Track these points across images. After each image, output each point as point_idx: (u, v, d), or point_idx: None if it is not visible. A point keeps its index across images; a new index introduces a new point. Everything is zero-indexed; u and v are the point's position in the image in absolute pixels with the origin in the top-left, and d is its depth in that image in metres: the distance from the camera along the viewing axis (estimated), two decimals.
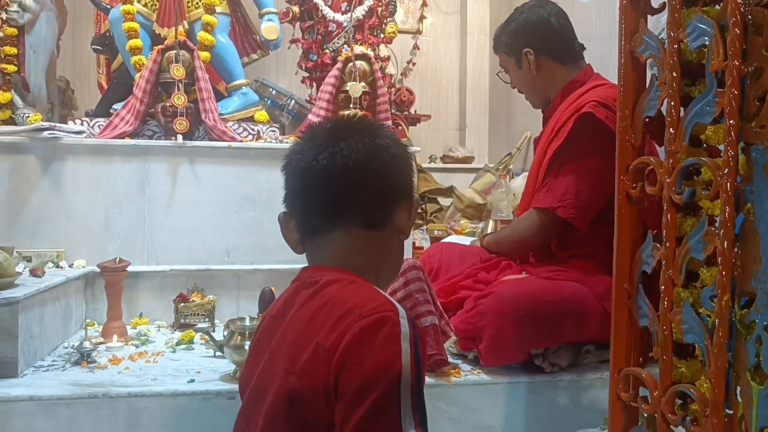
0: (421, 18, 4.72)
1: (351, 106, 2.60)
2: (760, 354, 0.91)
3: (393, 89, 4.01)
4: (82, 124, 2.51)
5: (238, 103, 2.73)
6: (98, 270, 2.16)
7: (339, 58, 2.70)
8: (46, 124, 2.35)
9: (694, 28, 1.01)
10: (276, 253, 2.42)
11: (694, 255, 1.01)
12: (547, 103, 2.08)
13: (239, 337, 1.68)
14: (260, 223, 2.47)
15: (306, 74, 3.09)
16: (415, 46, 4.75)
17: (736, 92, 0.93)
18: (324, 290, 0.97)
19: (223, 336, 1.77)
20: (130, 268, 2.18)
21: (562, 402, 1.69)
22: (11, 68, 2.55)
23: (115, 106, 2.62)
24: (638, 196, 1.14)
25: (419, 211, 3.42)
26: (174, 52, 2.50)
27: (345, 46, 2.84)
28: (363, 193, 1.02)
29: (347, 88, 2.61)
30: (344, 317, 0.90)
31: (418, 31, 4.74)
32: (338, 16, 2.89)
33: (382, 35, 2.95)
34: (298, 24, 3.03)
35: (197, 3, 2.68)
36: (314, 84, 3.02)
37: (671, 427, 1.07)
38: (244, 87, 2.76)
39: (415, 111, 4.32)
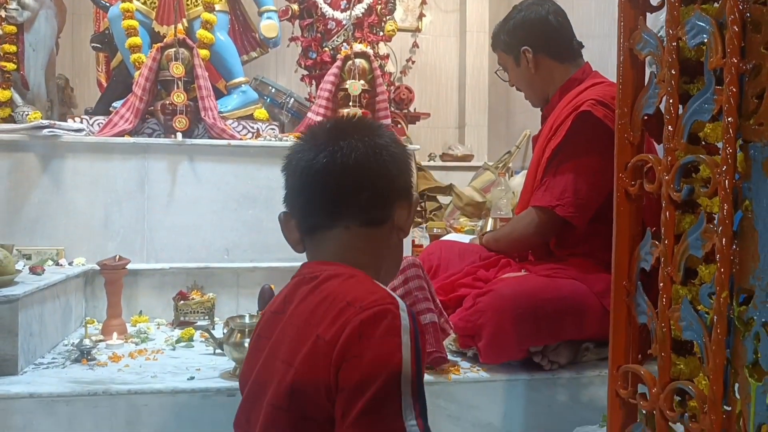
0: (421, 16, 4.72)
1: (350, 104, 2.60)
2: (758, 351, 0.91)
3: (392, 87, 4.01)
4: (81, 122, 2.51)
5: (238, 101, 2.73)
6: (98, 268, 2.16)
7: (338, 56, 2.70)
8: (45, 122, 2.35)
9: (692, 26, 1.01)
10: (275, 251, 2.42)
11: (692, 252, 1.01)
12: (545, 101, 2.08)
13: (239, 335, 1.68)
14: (260, 221, 2.47)
15: (305, 72, 3.09)
16: (415, 44, 4.75)
17: (734, 90, 0.93)
18: (324, 285, 0.98)
19: (223, 333, 1.77)
20: (129, 266, 2.18)
21: (561, 399, 1.70)
22: (10, 66, 2.54)
23: (114, 104, 2.62)
24: (637, 193, 1.14)
25: (418, 209, 3.42)
26: (173, 50, 2.50)
27: (344, 44, 2.84)
28: (363, 192, 1.03)
29: (346, 86, 2.61)
30: (344, 310, 0.90)
31: (418, 29, 4.74)
32: (337, 14, 2.89)
33: (381, 33, 2.95)
34: (297, 22, 3.03)
35: (196, 1, 2.67)
36: (313, 82, 3.02)
37: (669, 423, 1.07)
38: (243, 85, 2.76)
39: (415, 109, 4.32)
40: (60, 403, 1.54)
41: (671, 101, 1.05)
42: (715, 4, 1.01)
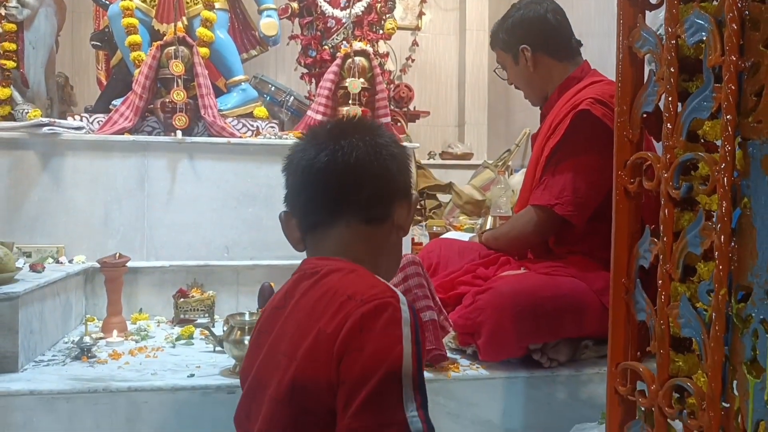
0: (420, 14, 4.72)
1: (350, 102, 2.61)
2: (756, 347, 0.91)
3: (392, 85, 4.01)
4: (81, 120, 2.51)
5: (237, 99, 2.73)
6: (98, 265, 2.16)
7: (338, 54, 2.70)
8: (45, 119, 2.35)
9: (691, 24, 1.01)
10: (275, 249, 2.42)
11: (691, 250, 1.02)
12: (544, 99, 2.08)
13: (239, 332, 1.69)
14: (259, 219, 2.47)
15: (305, 70, 3.09)
16: (414, 43, 4.75)
17: (733, 87, 0.94)
18: (325, 279, 0.99)
19: (223, 331, 1.77)
20: (129, 264, 2.19)
21: (561, 397, 1.70)
22: (10, 64, 2.54)
23: (114, 102, 2.62)
24: (636, 191, 1.14)
25: (418, 207, 3.42)
26: (173, 48, 2.50)
27: (344, 42, 2.84)
28: (364, 190, 1.04)
29: (346, 85, 2.61)
30: (345, 304, 0.91)
31: (417, 28, 4.74)
32: (337, 13, 2.89)
33: (381, 31, 2.94)
34: (297, 20, 3.03)
35: None
36: (313, 80, 3.02)
37: (668, 420, 1.07)
38: (243, 83, 2.76)
39: (414, 107, 4.32)
40: (60, 400, 1.55)
41: (670, 99, 1.05)
42: (714, 2, 1.01)
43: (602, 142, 1.62)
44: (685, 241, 1.02)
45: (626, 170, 1.15)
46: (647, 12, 1.16)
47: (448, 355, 1.73)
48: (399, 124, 3.79)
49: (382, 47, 3.13)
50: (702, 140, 1.05)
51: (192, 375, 1.67)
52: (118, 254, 2.16)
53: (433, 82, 4.90)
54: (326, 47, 2.92)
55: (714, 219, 0.97)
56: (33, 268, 2.00)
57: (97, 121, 2.53)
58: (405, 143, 2.78)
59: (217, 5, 2.66)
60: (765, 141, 0.91)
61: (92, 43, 3.06)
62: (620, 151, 1.16)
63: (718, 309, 0.95)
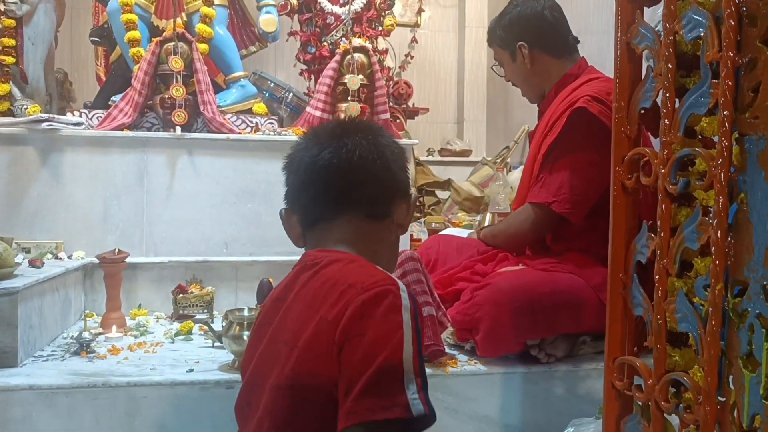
0: (420, 11, 4.72)
1: (349, 98, 2.61)
2: (752, 342, 0.92)
3: (391, 82, 4.01)
4: (80, 116, 2.51)
5: (237, 95, 2.73)
6: (97, 261, 2.17)
7: (337, 50, 2.70)
8: (44, 115, 2.35)
9: (689, 20, 1.01)
10: (274, 245, 2.43)
11: (688, 245, 1.02)
12: (541, 96, 2.08)
13: (238, 328, 1.69)
14: (258, 215, 2.47)
15: (304, 67, 3.09)
16: (413, 39, 4.75)
17: (730, 83, 0.94)
18: (325, 269, 1.01)
19: (222, 326, 1.78)
20: (128, 260, 2.19)
21: (558, 392, 1.71)
22: (9, 60, 2.54)
23: (113, 98, 2.62)
24: (633, 186, 1.15)
25: (417, 204, 3.43)
26: (172, 44, 2.50)
27: (343, 38, 2.84)
28: (366, 188, 1.07)
29: (345, 81, 2.61)
30: (346, 292, 0.93)
31: (417, 24, 4.74)
32: (336, 9, 2.89)
33: (380, 28, 2.95)
34: (296, 16, 3.03)
35: None
36: (312, 76, 3.02)
37: (665, 414, 1.08)
38: (242, 79, 2.76)
39: (413, 104, 4.32)
40: (59, 395, 1.55)
41: (668, 95, 1.06)
42: None
43: (599, 139, 1.62)
44: (682, 236, 1.03)
45: (624, 166, 1.16)
46: (645, 8, 1.17)
47: (447, 350, 1.74)
48: (398, 120, 3.79)
49: (381, 44, 3.13)
50: (699, 136, 1.06)
51: (191, 370, 1.67)
52: (117, 250, 2.16)
53: (432, 79, 4.90)
54: (325, 44, 2.92)
55: (711, 214, 0.98)
56: (32, 263, 2.00)
57: (96, 117, 2.53)
58: (404, 140, 2.79)
59: (216, 1, 2.66)
60: (762, 136, 0.91)
61: (91, 38, 3.06)
62: (618, 146, 1.17)
63: (715, 304, 0.96)
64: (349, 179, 1.06)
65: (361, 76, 2.62)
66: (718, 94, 0.96)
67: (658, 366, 1.08)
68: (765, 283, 0.90)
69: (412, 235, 2.84)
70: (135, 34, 2.59)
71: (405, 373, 0.87)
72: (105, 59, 3.28)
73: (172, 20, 2.56)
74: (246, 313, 1.83)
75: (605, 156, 1.21)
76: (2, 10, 2.52)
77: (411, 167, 3.17)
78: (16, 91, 2.57)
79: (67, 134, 2.36)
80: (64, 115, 2.51)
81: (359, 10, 2.88)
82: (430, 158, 4.47)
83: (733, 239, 0.95)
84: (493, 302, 1.69)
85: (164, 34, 2.53)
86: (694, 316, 1.00)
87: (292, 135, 2.53)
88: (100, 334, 2.00)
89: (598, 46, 2.64)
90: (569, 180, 1.83)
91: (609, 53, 1.22)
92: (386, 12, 2.93)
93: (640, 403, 1.14)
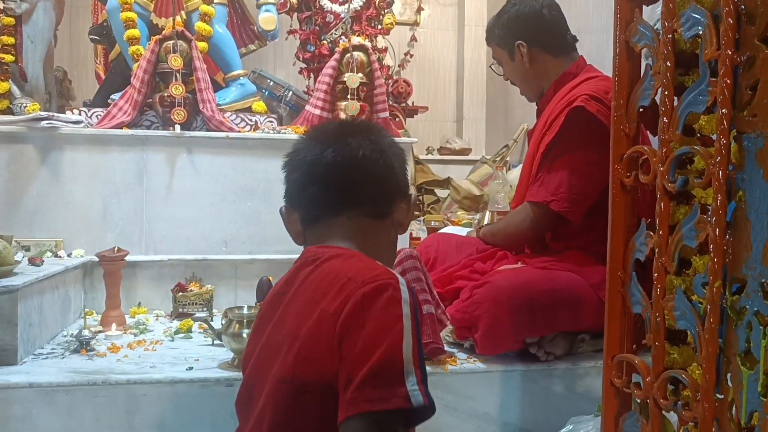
0: (419, 9, 4.72)
1: (348, 97, 2.61)
2: (750, 339, 0.92)
3: (390, 81, 4.02)
4: (79, 114, 2.51)
5: (236, 93, 2.73)
6: (97, 259, 2.17)
7: (336, 49, 2.70)
8: (43, 113, 2.35)
9: (688, 18, 1.02)
10: (273, 243, 2.43)
11: (686, 243, 1.03)
12: (540, 95, 2.08)
13: (237, 326, 1.69)
14: (258, 213, 2.47)
15: (303, 65, 3.09)
16: (413, 38, 4.75)
17: (728, 81, 0.94)
18: (326, 264, 1.02)
19: (221, 324, 1.78)
20: (128, 258, 2.19)
21: (557, 390, 1.71)
22: (9, 58, 2.54)
23: (112, 96, 2.62)
24: (632, 184, 1.15)
25: (417, 202, 3.43)
26: (172, 42, 2.50)
27: (342, 37, 2.84)
28: (369, 186, 1.09)
29: (345, 79, 2.61)
30: (346, 285, 0.94)
31: (416, 23, 4.74)
32: (336, 7, 2.89)
33: (379, 26, 2.95)
34: (295, 15, 3.03)
35: None
36: (312, 75, 3.02)
37: (663, 412, 1.08)
38: (241, 77, 2.76)
39: (413, 102, 4.33)
40: (59, 392, 1.55)
41: (666, 93, 1.06)
42: None
43: (597, 138, 1.62)
44: (681, 234, 1.03)
45: (623, 164, 1.16)
46: (644, 6, 1.17)
47: (446, 348, 1.74)
48: (397, 119, 3.79)
49: (381, 42, 3.13)
50: (698, 134, 1.06)
51: (191, 368, 1.68)
52: (116, 248, 2.16)
53: (432, 78, 4.90)
54: (325, 42, 2.92)
55: (709, 212, 0.98)
56: (32, 261, 2.00)
57: (96, 115, 2.53)
58: (403, 138, 2.79)
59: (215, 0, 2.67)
60: (760, 134, 0.91)
61: (91, 37, 3.06)
62: (617, 144, 1.17)
63: (713, 301, 0.96)
64: (352, 178, 1.08)
65: (360, 75, 2.62)
66: (716, 92, 0.96)
67: (656, 363, 1.08)
68: (763, 280, 0.90)
69: (411, 234, 2.85)
70: (134, 32, 2.59)
71: (405, 364, 0.88)
72: (104, 57, 3.28)
73: (171, 18, 2.56)
74: (245, 311, 1.83)
75: (603, 155, 1.21)
76: (2, 8, 2.52)
77: (410, 166, 3.17)
78: (15, 90, 2.57)
79: (66, 132, 2.36)
80: (64, 113, 2.51)
81: (359, 8, 2.88)
82: (430, 157, 4.47)
83: (732, 237, 0.96)
84: (492, 300, 1.69)
85: (164, 32, 2.54)
86: (693, 314, 1.01)
87: (291, 133, 2.53)
88: (99, 332, 2.00)
89: (597, 45, 2.64)
90: (568, 179, 1.83)
91: (608, 52, 1.22)
92: (385, 10, 2.93)
93: (638, 401, 1.14)
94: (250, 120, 2.65)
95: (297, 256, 1.12)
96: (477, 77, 4.83)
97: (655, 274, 1.08)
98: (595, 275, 1.74)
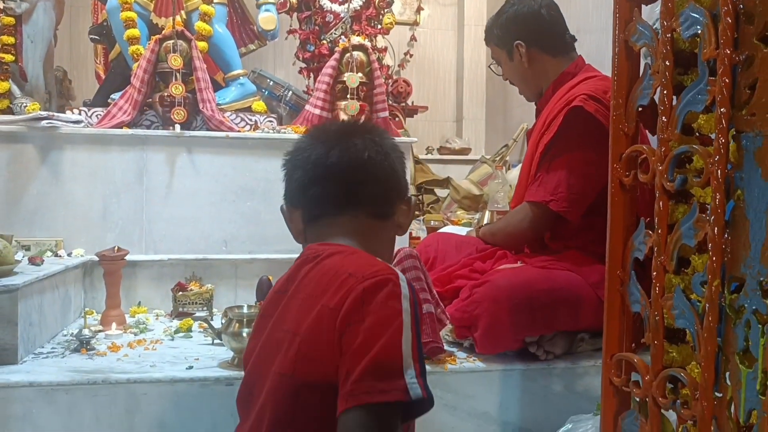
0: (419, 9, 4.72)
1: (348, 96, 2.61)
2: (748, 338, 0.92)
3: (390, 80, 4.02)
4: (80, 114, 2.51)
5: (236, 93, 2.73)
6: (97, 259, 2.17)
7: (336, 48, 2.70)
8: (43, 113, 2.35)
9: (686, 17, 1.02)
10: (273, 243, 2.43)
11: (685, 241, 1.03)
12: (539, 95, 2.09)
13: (237, 325, 1.69)
14: (258, 213, 2.48)
15: (303, 65, 3.09)
16: (413, 38, 4.75)
17: (727, 80, 0.95)
18: (326, 260, 1.03)
19: (221, 324, 1.78)
20: (128, 257, 2.19)
21: (557, 389, 1.71)
22: (9, 58, 2.54)
23: (112, 96, 2.62)
24: (631, 184, 1.15)
25: (416, 202, 3.43)
26: (171, 42, 2.50)
27: (342, 36, 2.84)
28: (372, 186, 1.10)
29: (344, 79, 2.61)
30: (347, 281, 0.95)
31: (416, 23, 4.73)
32: (335, 7, 2.89)
33: (379, 26, 2.95)
34: (295, 14, 3.03)
35: None
36: (311, 75, 3.03)
37: (662, 410, 1.08)
38: (241, 77, 2.76)
39: (412, 102, 4.33)
40: (59, 391, 1.55)
41: (665, 92, 1.06)
42: None
43: (595, 138, 1.63)
44: (680, 233, 1.03)
45: (622, 163, 1.16)
46: (643, 6, 1.17)
47: (445, 347, 1.74)
48: (397, 119, 3.80)
49: (381, 42, 3.13)
50: (696, 133, 1.06)
51: (191, 367, 1.68)
52: (116, 248, 2.17)
53: (431, 77, 4.90)
54: (324, 42, 2.92)
55: (708, 211, 0.98)
56: (32, 261, 2.00)
57: (96, 115, 2.54)
58: (403, 138, 2.79)
59: None
60: (758, 133, 0.92)
61: (91, 36, 3.06)
62: (616, 144, 1.17)
63: (712, 300, 0.96)
64: (356, 178, 1.09)
65: (360, 74, 2.63)
66: (715, 91, 0.96)
67: (655, 362, 1.08)
68: (761, 279, 0.90)
69: (411, 233, 2.85)
70: (134, 32, 2.59)
71: (404, 358, 0.89)
72: (104, 57, 3.28)
73: (171, 18, 2.56)
74: (245, 310, 1.84)
75: (602, 154, 1.21)
76: (1, 7, 2.52)
77: (410, 165, 3.18)
78: (15, 89, 2.57)
79: (66, 132, 2.36)
80: (64, 113, 2.51)
81: (358, 8, 2.89)
82: (429, 156, 4.47)
83: (730, 236, 0.96)
84: (491, 299, 1.69)
85: (163, 32, 2.54)
86: (691, 313, 1.01)
87: (291, 133, 2.54)
88: (99, 331, 2.00)
89: (596, 45, 2.65)
90: (566, 178, 1.83)
91: (607, 51, 1.22)
92: (385, 10, 2.94)
93: (637, 399, 1.14)
94: (250, 120, 2.65)
95: (297, 255, 1.13)
96: (477, 77, 4.83)
97: (654, 273, 1.08)
98: (594, 274, 1.75)
